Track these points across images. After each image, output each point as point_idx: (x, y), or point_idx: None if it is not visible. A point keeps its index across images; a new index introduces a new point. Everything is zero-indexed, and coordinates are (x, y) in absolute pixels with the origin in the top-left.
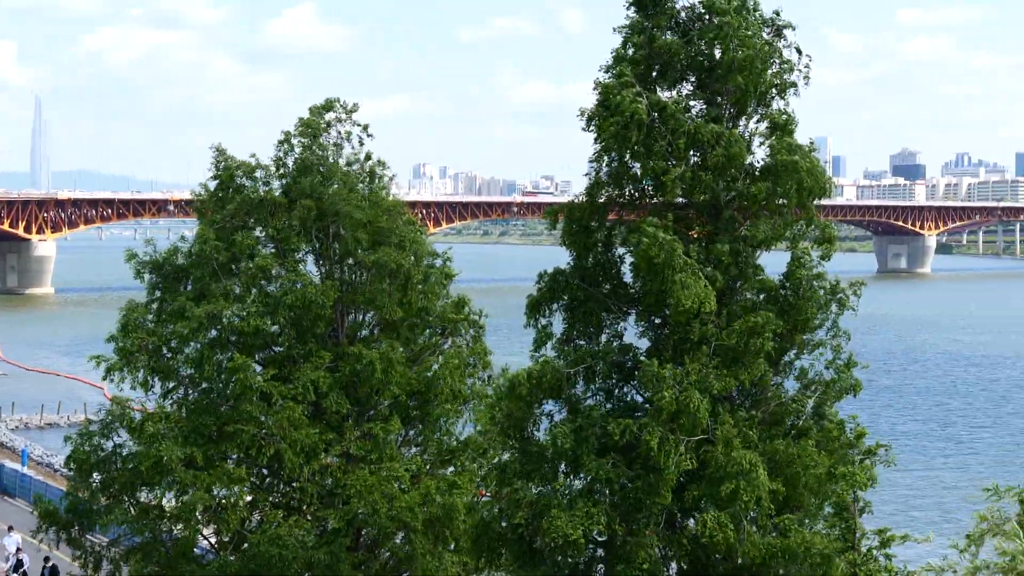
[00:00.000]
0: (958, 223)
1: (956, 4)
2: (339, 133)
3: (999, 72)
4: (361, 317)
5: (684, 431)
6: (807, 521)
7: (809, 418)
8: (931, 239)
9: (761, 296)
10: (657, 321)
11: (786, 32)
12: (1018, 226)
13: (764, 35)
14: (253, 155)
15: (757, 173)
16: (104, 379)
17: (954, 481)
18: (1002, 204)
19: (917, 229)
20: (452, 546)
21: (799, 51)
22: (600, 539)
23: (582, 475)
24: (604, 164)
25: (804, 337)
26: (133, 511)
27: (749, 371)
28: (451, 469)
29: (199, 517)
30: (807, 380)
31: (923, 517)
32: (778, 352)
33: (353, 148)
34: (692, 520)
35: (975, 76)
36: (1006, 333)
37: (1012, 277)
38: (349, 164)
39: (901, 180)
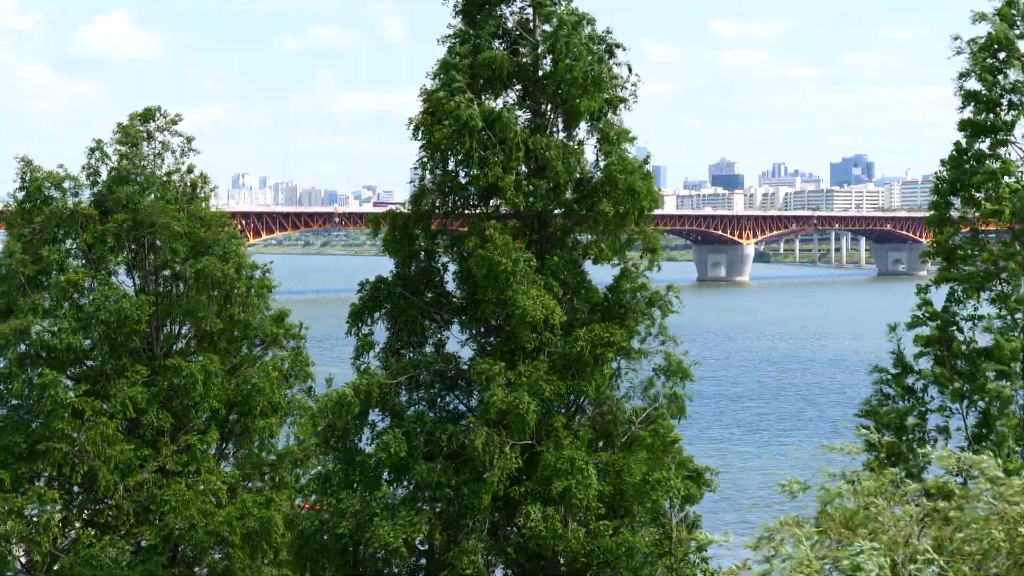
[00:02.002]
0: (776, 232)
1: (769, 17)
2: (159, 143)
3: (812, 84)
4: (177, 330)
5: (512, 433)
6: (631, 527)
7: (638, 428)
8: (749, 248)
9: (587, 306)
10: (483, 330)
11: (616, 52)
12: (833, 235)
13: (596, 50)
14: (61, 165)
15: (590, 188)
16: None
17: (766, 482)
18: (818, 213)
19: (736, 238)
20: (271, 560)
21: (630, 69)
22: (423, 548)
23: (407, 482)
24: (429, 172)
25: (631, 346)
26: None
27: (591, 381)
28: (267, 478)
29: (10, 538)
30: (642, 393)
31: (734, 519)
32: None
33: (175, 158)
34: (515, 526)
35: (789, 88)
36: (821, 339)
37: (828, 284)
38: (169, 175)
39: (720, 190)
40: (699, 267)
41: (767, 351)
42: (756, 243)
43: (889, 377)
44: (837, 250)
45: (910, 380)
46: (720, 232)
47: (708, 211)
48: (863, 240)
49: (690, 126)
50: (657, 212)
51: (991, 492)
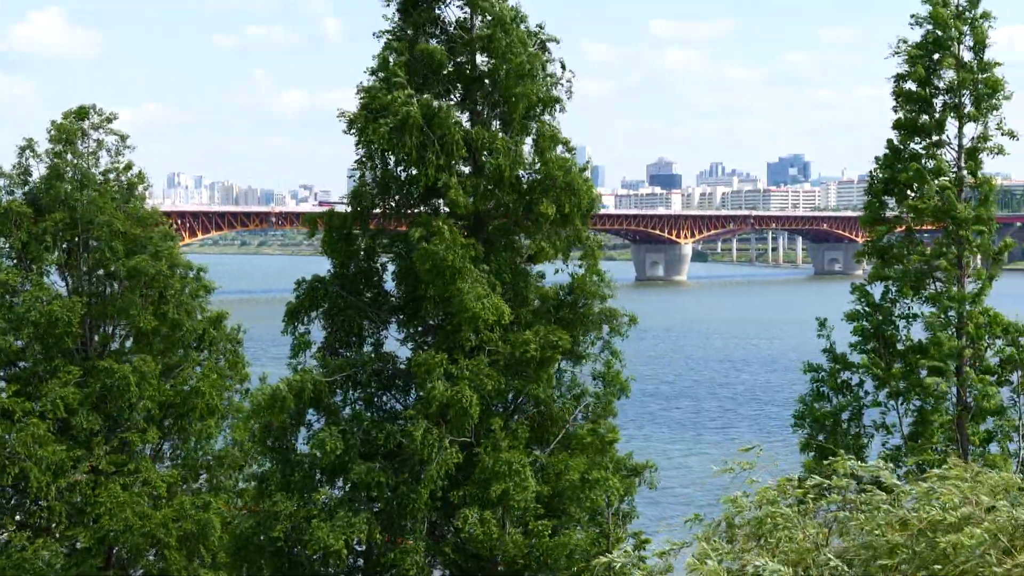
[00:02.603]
0: (713, 231)
1: (707, 17)
2: (94, 142)
3: (750, 84)
4: (112, 330)
5: (452, 428)
6: (568, 528)
7: (577, 427)
8: (687, 247)
9: (537, 303)
10: (420, 329)
11: (550, 46)
12: (770, 234)
13: (531, 48)
14: None
15: (526, 187)
16: None
17: (695, 480)
18: (755, 213)
19: (674, 237)
20: (208, 562)
21: (563, 66)
22: (361, 549)
23: (342, 483)
24: (369, 170)
25: (577, 348)
26: None
27: (537, 383)
28: (204, 481)
29: None
30: (577, 391)
31: (666, 513)
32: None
33: (111, 157)
34: (453, 527)
35: (728, 87)
36: (756, 338)
37: (765, 284)
38: (105, 174)
39: (658, 189)
40: (637, 267)
41: (703, 349)
42: (694, 243)
43: (823, 374)
44: (774, 249)
45: (845, 375)
46: (658, 232)
47: (646, 211)
48: (800, 239)
49: (628, 126)
50: (596, 212)
51: (900, 498)
